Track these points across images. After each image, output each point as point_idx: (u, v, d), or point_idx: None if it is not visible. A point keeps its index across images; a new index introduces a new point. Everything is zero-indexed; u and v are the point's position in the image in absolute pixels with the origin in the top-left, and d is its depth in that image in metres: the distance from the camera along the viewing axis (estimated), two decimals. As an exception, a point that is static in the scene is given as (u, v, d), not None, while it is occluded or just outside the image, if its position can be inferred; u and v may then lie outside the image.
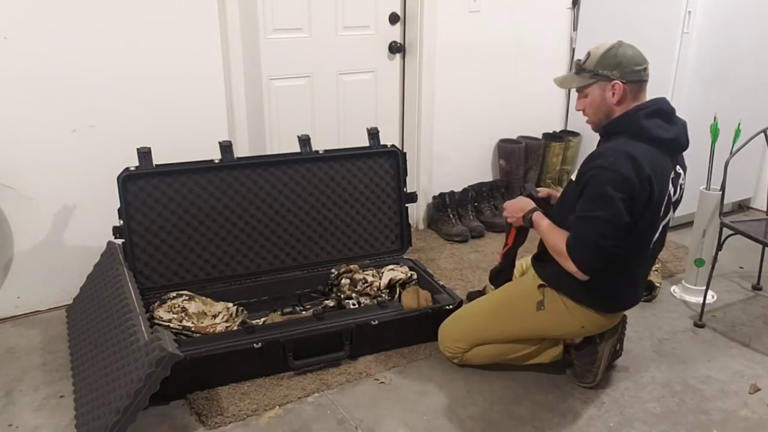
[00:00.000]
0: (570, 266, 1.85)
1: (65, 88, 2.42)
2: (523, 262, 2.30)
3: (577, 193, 1.86)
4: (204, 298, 2.36)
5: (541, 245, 2.02)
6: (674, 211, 1.99)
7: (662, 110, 1.87)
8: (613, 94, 1.85)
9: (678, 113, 1.90)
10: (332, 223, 2.70)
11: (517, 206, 2.09)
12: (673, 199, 1.94)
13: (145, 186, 2.39)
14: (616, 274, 1.93)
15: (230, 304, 2.37)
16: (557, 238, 1.89)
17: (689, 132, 1.95)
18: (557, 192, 2.17)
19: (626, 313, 2.16)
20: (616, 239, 1.79)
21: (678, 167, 1.93)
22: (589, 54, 1.90)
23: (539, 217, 2.00)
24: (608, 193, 1.76)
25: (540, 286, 2.04)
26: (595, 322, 2.02)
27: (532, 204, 2.06)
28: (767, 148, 2.91)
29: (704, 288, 2.58)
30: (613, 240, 1.79)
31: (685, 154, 2.06)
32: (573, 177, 1.96)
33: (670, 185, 1.88)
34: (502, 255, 2.24)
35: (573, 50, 3.64)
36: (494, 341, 2.15)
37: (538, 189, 2.18)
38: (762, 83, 3.36)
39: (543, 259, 2.03)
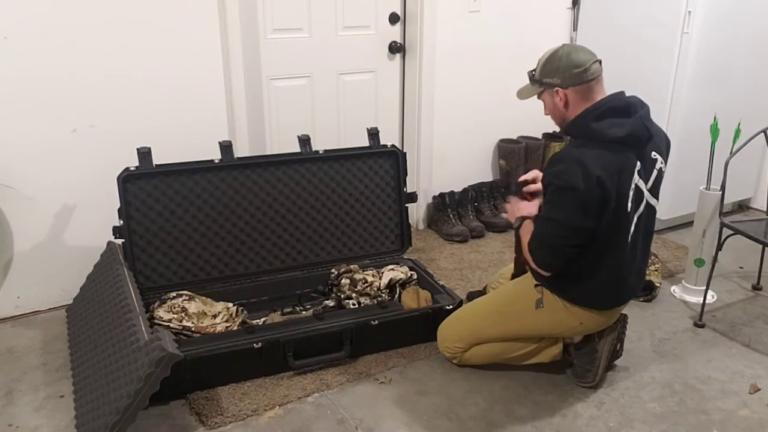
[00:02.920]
0: (532, 263, 1.95)
1: (65, 88, 2.42)
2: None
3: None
4: (204, 298, 2.36)
5: None
6: (657, 198, 1.98)
7: (613, 108, 1.87)
8: (560, 99, 1.90)
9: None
10: (332, 223, 2.70)
11: (515, 210, 2.12)
12: (647, 188, 1.93)
13: (145, 186, 2.39)
14: (600, 272, 1.95)
15: (230, 304, 2.37)
16: (526, 239, 1.97)
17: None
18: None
19: (626, 313, 2.16)
20: (569, 240, 1.87)
21: (653, 153, 1.93)
22: (538, 62, 1.94)
23: (528, 223, 2.03)
24: (558, 200, 1.85)
25: (537, 285, 2.06)
26: (594, 319, 2.03)
27: (529, 209, 2.07)
28: (767, 148, 2.91)
29: (704, 288, 2.58)
30: (565, 240, 1.87)
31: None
32: None
33: (636, 177, 1.88)
34: (515, 262, 2.27)
35: (573, 50, 3.64)
36: (493, 340, 2.15)
37: (524, 179, 2.18)
38: (762, 83, 3.35)
39: None
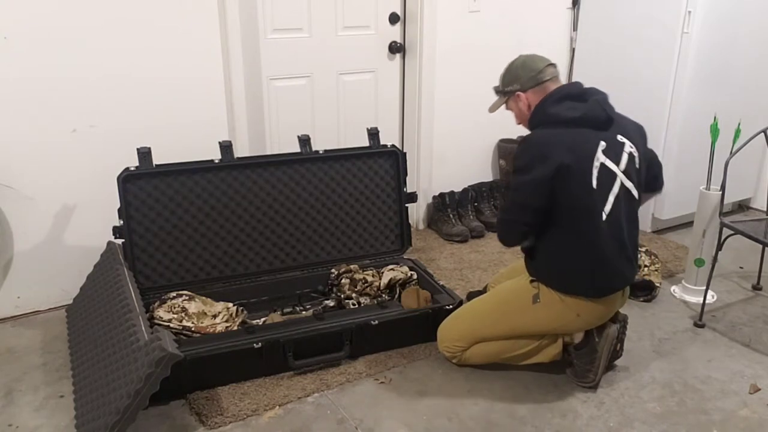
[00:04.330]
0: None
1: (65, 88, 2.42)
2: (518, 264, 2.34)
3: None
4: (204, 298, 2.36)
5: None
6: (635, 182, 2.00)
7: (570, 94, 2.01)
8: (523, 103, 2.06)
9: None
10: (332, 223, 2.70)
11: None
12: (621, 169, 1.96)
13: (145, 186, 2.39)
14: (578, 257, 1.98)
15: (230, 304, 2.37)
16: None
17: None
18: None
19: (626, 313, 2.15)
20: (521, 216, 2.01)
21: (619, 136, 1.98)
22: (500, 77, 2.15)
23: None
24: (516, 180, 2.00)
25: (532, 280, 2.09)
26: (590, 310, 2.03)
27: None
28: (767, 148, 2.91)
29: (704, 288, 2.58)
30: (518, 216, 2.01)
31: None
32: None
33: (600, 155, 1.93)
34: None
35: (573, 50, 3.64)
36: (493, 339, 2.15)
37: None
38: (762, 83, 3.36)
39: (530, 255, 2.10)
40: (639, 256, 2.76)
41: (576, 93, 2.00)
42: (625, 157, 1.98)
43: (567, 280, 2.02)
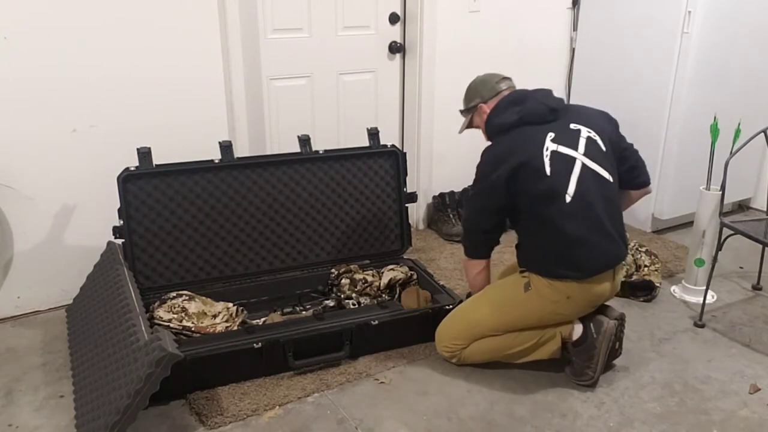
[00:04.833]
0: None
1: (65, 88, 2.42)
2: (510, 263, 2.40)
3: None
4: (204, 298, 2.36)
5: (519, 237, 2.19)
6: (602, 164, 2.06)
7: (511, 100, 2.12)
8: (484, 113, 2.18)
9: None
10: (332, 223, 2.70)
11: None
12: (581, 152, 2.04)
13: (145, 186, 2.39)
14: (550, 240, 2.03)
15: (230, 304, 2.37)
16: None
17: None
18: None
19: (626, 312, 2.16)
20: (478, 223, 2.18)
21: (572, 125, 2.08)
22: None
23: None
24: (473, 192, 2.19)
25: (521, 271, 2.16)
26: (579, 291, 2.04)
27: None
28: (767, 148, 2.91)
29: (704, 288, 2.58)
30: (480, 225, 2.17)
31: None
32: None
33: (550, 143, 2.02)
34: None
35: (573, 50, 3.64)
36: (491, 333, 2.15)
37: None
38: (762, 83, 3.35)
39: (518, 246, 2.19)
40: (639, 256, 2.78)
41: (516, 98, 2.12)
42: (582, 142, 2.06)
43: (548, 265, 2.06)
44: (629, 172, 2.19)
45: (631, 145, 2.21)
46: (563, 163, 2.02)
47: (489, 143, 2.16)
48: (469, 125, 2.30)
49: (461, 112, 2.30)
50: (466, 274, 2.35)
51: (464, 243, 2.27)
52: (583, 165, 2.03)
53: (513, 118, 2.07)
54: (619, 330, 2.15)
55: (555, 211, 2.00)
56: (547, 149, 2.02)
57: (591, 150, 2.05)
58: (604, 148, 2.08)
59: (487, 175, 2.06)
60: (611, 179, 2.07)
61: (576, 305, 2.09)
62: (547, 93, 2.14)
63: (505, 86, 2.19)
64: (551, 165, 2.00)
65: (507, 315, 2.13)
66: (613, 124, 2.19)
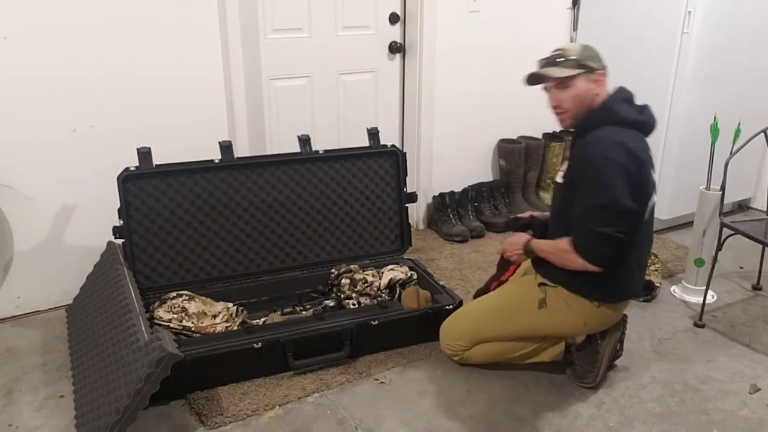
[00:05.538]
0: (580, 262, 1.89)
1: (65, 88, 2.42)
2: (524, 263, 2.31)
3: (572, 191, 1.91)
4: (204, 298, 2.36)
5: None
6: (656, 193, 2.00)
7: (628, 98, 1.95)
8: (597, 84, 1.91)
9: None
10: (332, 223, 2.70)
11: (515, 243, 2.13)
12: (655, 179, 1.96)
13: (145, 186, 2.39)
14: (623, 261, 1.95)
15: (230, 304, 2.37)
16: (559, 246, 1.95)
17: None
18: (537, 213, 2.25)
19: (626, 312, 2.16)
20: (620, 225, 1.83)
21: None
22: (562, 50, 1.92)
23: (536, 243, 2.07)
24: (606, 182, 1.81)
25: (541, 284, 2.06)
26: (597, 317, 2.03)
27: (525, 236, 2.12)
28: (767, 148, 2.91)
29: (704, 288, 2.58)
30: (617, 227, 1.83)
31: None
32: (558, 179, 2.03)
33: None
34: (494, 287, 2.29)
35: (573, 50, 3.63)
36: (495, 339, 2.15)
37: (518, 215, 2.28)
38: (762, 83, 3.35)
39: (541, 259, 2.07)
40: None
41: (630, 98, 1.96)
42: None
43: (586, 285, 1.97)
44: None
45: None
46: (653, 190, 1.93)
47: (568, 126, 1.94)
48: (560, 84, 1.90)
49: (564, 62, 1.89)
50: (562, 263, 1.97)
51: (589, 246, 1.87)
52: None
53: (636, 117, 1.89)
54: (621, 332, 2.16)
55: (638, 232, 1.92)
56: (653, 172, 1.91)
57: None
58: None
59: (621, 162, 1.79)
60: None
61: (589, 329, 2.09)
62: (647, 106, 1.99)
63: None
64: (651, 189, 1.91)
65: (515, 326, 2.12)
66: None
